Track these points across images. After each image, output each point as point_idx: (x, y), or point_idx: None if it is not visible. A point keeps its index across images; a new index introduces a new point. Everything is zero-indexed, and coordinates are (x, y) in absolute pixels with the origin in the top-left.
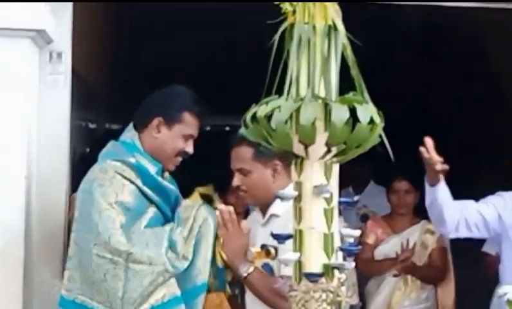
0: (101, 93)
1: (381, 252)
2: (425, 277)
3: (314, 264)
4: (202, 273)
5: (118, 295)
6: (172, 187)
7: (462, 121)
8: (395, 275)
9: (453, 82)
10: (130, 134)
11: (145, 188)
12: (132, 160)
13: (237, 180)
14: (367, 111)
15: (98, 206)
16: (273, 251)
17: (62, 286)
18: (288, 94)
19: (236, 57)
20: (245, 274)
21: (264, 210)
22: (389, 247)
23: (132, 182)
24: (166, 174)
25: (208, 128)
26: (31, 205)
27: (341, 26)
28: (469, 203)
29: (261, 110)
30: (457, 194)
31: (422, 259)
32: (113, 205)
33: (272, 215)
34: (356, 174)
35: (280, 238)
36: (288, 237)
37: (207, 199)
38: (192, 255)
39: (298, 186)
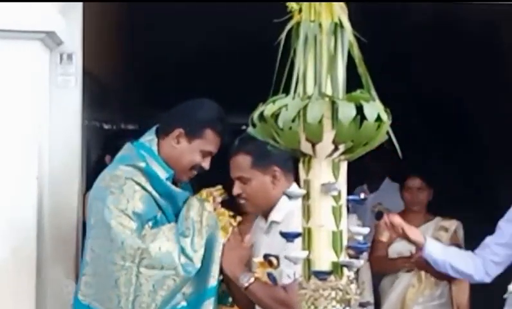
0: (114, 93)
1: (394, 250)
2: (439, 273)
3: (323, 262)
4: (214, 277)
5: (129, 299)
6: (180, 190)
7: (477, 117)
8: (408, 270)
9: (468, 80)
10: (150, 138)
11: (155, 193)
12: (143, 165)
13: (237, 189)
14: (374, 109)
15: (111, 214)
16: (274, 261)
17: (78, 290)
18: (295, 92)
19: (245, 56)
20: (246, 284)
21: (266, 217)
22: (403, 245)
23: (142, 187)
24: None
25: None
26: (43, 205)
27: (347, 24)
28: (485, 242)
29: (268, 109)
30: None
31: None
32: (125, 211)
33: (272, 222)
34: (371, 171)
35: (289, 236)
36: (297, 235)
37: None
38: (206, 257)
39: (306, 184)
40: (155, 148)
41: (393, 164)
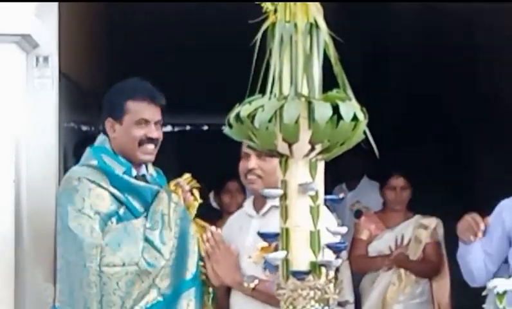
0: (92, 94)
1: (374, 248)
2: (419, 271)
3: (301, 262)
4: (191, 268)
5: (96, 300)
6: (144, 184)
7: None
8: (388, 269)
9: (448, 78)
10: (101, 139)
11: (112, 189)
12: (95, 162)
13: (253, 163)
14: (350, 108)
15: (68, 216)
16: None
17: (56, 298)
18: (271, 93)
19: (221, 57)
20: (253, 285)
21: (259, 203)
22: (383, 243)
23: (97, 184)
24: (150, 172)
25: (205, 127)
26: (22, 209)
27: (322, 24)
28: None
29: (244, 109)
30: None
31: (417, 254)
32: (82, 211)
33: (273, 207)
34: (349, 169)
35: (268, 237)
36: (275, 235)
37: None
38: (179, 250)
39: (284, 184)
40: (108, 145)
41: (372, 163)
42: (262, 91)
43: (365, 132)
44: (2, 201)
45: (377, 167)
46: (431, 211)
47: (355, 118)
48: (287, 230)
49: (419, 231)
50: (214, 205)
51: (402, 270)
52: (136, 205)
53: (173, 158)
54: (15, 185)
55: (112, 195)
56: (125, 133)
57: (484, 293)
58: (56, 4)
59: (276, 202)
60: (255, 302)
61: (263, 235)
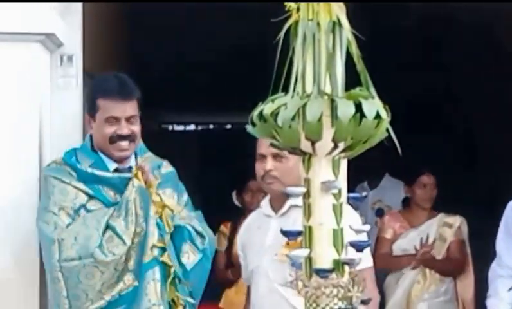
0: None
1: (399, 247)
2: (444, 270)
3: (324, 260)
4: (147, 254)
5: (63, 294)
6: (112, 175)
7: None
8: (413, 268)
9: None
10: (86, 136)
11: (76, 183)
12: (59, 158)
13: (270, 165)
14: (373, 106)
15: (38, 216)
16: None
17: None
18: (294, 91)
19: (244, 56)
20: None
21: (276, 203)
22: (407, 241)
23: (61, 180)
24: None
25: (228, 126)
26: None
27: (345, 22)
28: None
29: (267, 108)
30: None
31: (441, 252)
32: (47, 208)
33: (292, 206)
34: (370, 168)
35: (291, 235)
36: (298, 233)
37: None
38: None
39: (307, 182)
40: (87, 140)
41: (394, 161)
42: (285, 90)
43: (387, 130)
44: (27, 200)
45: (403, 165)
46: (454, 209)
47: (378, 116)
48: (310, 228)
49: (444, 229)
50: (236, 203)
51: (427, 269)
52: (111, 195)
53: (196, 157)
54: (39, 183)
55: (77, 188)
56: (98, 130)
57: (509, 289)
58: (80, 4)
59: (295, 201)
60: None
61: (286, 233)
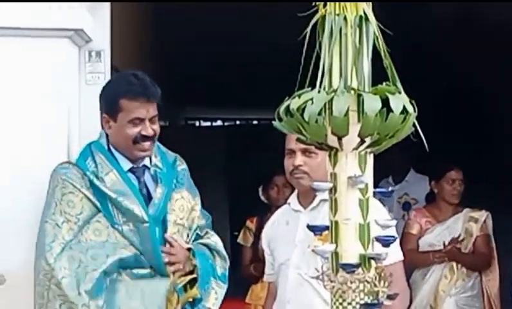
0: None
1: (425, 242)
2: (470, 264)
3: (350, 255)
4: None
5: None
6: (116, 195)
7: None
8: (439, 262)
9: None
10: (100, 134)
11: (85, 190)
12: (72, 161)
13: (299, 160)
14: (400, 101)
15: (43, 214)
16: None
17: None
18: (320, 86)
19: (270, 51)
20: None
21: (304, 198)
22: (434, 237)
23: (73, 187)
24: (155, 163)
25: (255, 122)
26: None
27: (372, 17)
28: None
29: (294, 103)
30: None
31: (468, 247)
32: (52, 216)
33: (322, 201)
34: (395, 163)
35: (317, 230)
36: (324, 228)
37: None
38: None
39: (333, 177)
40: (104, 141)
41: (420, 156)
42: (312, 85)
43: (414, 125)
44: None
45: (429, 160)
46: (479, 204)
47: (404, 111)
48: (336, 223)
49: (470, 224)
50: (263, 199)
51: (454, 263)
52: (115, 213)
53: (222, 152)
54: None
55: (86, 197)
56: (119, 131)
57: None
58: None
59: (325, 196)
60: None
61: (312, 228)
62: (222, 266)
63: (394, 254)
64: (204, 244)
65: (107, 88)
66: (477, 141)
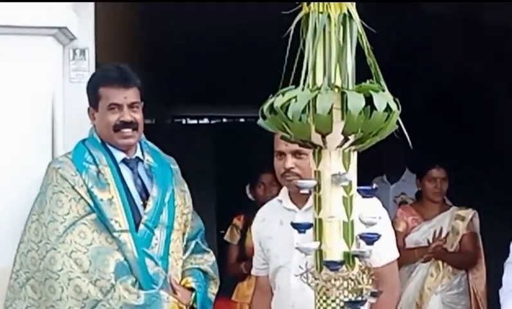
0: None
1: (411, 240)
2: (457, 263)
3: (334, 253)
4: None
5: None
6: (102, 199)
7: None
8: (425, 261)
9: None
10: (91, 129)
11: (78, 188)
12: (69, 155)
13: (290, 162)
14: (383, 99)
15: (30, 212)
16: None
17: None
18: (304, 84)
19: (254, 49)
20: None
21: (298, 199)
22: (420, 234)
23: (68, 183)
24: (147, 158)
25: (242, 120)
26: None
27: (355, 15)
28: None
29: (278, 100)
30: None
31: (454, 245)
32: (41, 215)
33: None
34: (390, 162)
35: (301, 228)
36: (308, 226)
37: None
38: None
39: (317, 175)
40: (95, 135)
41: (414, 155)
42: (296, 83)
43: (398, 123)
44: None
45: (416, 158)
46: (466, 203)
47: (388, 109)
48: (320, 220)
49: (456, 222)
50: (250, 196)
51: (440, 261)
52: (108, 213)
53: (209, 150)
54: None
55: (80, 197)
56: (101, 120)
57: None
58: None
59: None
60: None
61: (296, 226)
62: (213, 292)
63: (393, 252)
64: (201, 269)
65: (88, 83)
66: (467, 139)
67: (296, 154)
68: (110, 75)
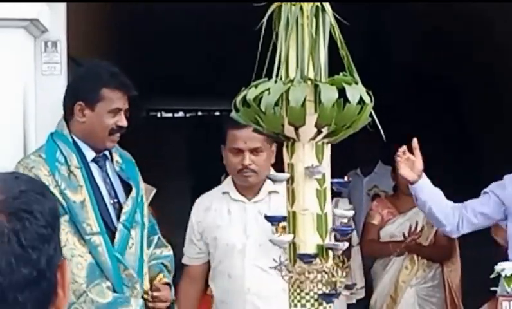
0: None
1: (386, 233)
2: (431, 256)
3: (308, 246)
4: None
5: None
6: (76, 202)
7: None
8: (399, 254)
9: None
10: (60, 124)
11: (52, 189)
12: (42, 155)
13: (248, 159)
14: (356, 91)
15: None
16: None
17: None
18: (277, 76)
19: (227, 41)
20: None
21: (247, 191)
22: (395, 228)
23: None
24: (116, 159)
25: (217, 113)
26: None
27: (328, 7)
28: (468, 204)
29: (251, 93)
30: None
31: (429, 238)
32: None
33: (271, 192)
34: (364, 155)
35: (274, 220)
36: (282, 219)
37: None
38: None
39: (290, 168)
40: (66, 131)
41: (385, 147)
42: (269, 75)
43: (371, 116)
44: None
45: (390, 151)
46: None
47: (361, 101)
48: (294, 213)
49: None
50: None
51: (415, 254)
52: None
53: (184, 143)
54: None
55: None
56: (96, 120)
57: (492, 276)
58: None
59: (274, 187)
60: None
61: (270, 219)
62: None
63: None
64: (163, 264)
65: (84, 77)
66: (442, 131)
67: (253, 151)
68: (117, 79)
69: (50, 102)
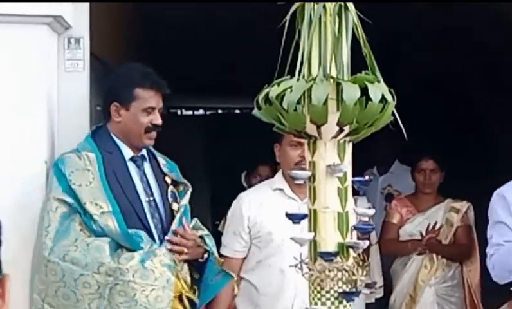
0: None
1: (406, 232)
2: (450, 255)
3: (329, 244)
4: None
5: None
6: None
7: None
8: (419, 253)
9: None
10: (100, 125)
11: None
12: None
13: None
14: (378, 90)
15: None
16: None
17: None
18: (300, 74)
19: (250, 40)
20: None
21: (300, 189)
22: (414, 226)
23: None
24: (162, 162)
25: (237, 111)
26: None
27: (351, 5)
28: (494, 243)
29: (273, 91)
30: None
31: (448, 237)
32: (51, 199)
33: (276, 189)
34: (381, 154)
35: (295, 218)
36: (303, 217)
37: None
38: None
39: (312, 166)
40: (101, 128)
41: (403, 147)
42: (291, 73)
43: (393, 114)
44: (34, 182)
45: (409, 150)
46: (461, 195)
47: (383, 100)
48: (315, 211)
49: (451, 214)
50: (244, 184)
51: (434, 254)
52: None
53: (204, 141)
54: (46, 166)
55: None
56: (131, 119)
57: None
58: None
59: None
60: None
61: (291, 216)
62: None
63: None
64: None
65: (118, 78)
66: (463, 132)
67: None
68: (149, 78)
69: (73, 98)
